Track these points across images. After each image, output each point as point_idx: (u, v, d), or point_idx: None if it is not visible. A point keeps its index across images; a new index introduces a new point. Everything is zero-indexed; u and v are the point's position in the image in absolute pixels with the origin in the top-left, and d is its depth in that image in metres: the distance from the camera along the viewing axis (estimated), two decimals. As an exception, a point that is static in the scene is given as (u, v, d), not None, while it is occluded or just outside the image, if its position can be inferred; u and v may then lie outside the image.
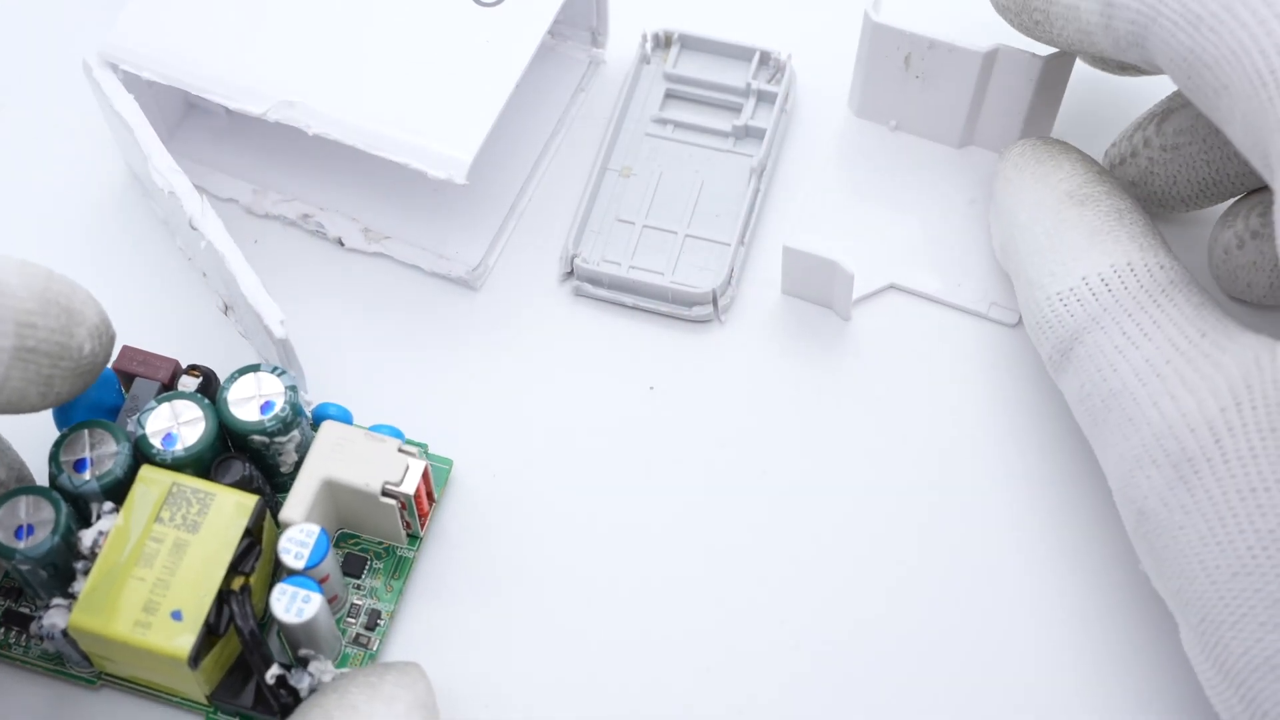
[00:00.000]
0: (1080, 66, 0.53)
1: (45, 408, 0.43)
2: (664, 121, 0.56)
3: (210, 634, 0.43)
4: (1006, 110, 0.53)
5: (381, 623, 0.47)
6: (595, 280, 0.53)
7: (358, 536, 0.48)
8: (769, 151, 0.54)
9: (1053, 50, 0.51)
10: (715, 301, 0.52)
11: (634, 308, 0.53)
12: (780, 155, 0.55)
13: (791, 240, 0.51)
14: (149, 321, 0.52)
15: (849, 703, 0.46)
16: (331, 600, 0.46)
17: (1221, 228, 0.50)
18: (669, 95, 0.56)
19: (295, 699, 0.44)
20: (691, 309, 0.52)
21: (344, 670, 0.44)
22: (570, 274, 0.53)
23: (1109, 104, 0.56)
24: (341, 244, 0.53)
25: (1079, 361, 0.45)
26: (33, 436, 0.47)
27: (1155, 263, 0.45)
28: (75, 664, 0.46)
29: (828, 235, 0.53)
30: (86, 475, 0.44)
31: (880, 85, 0.54)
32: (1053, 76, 0.52)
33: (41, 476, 0.46)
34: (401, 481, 0.46)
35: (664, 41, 0.57)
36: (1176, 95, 0.51)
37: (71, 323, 0.42)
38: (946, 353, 0.52)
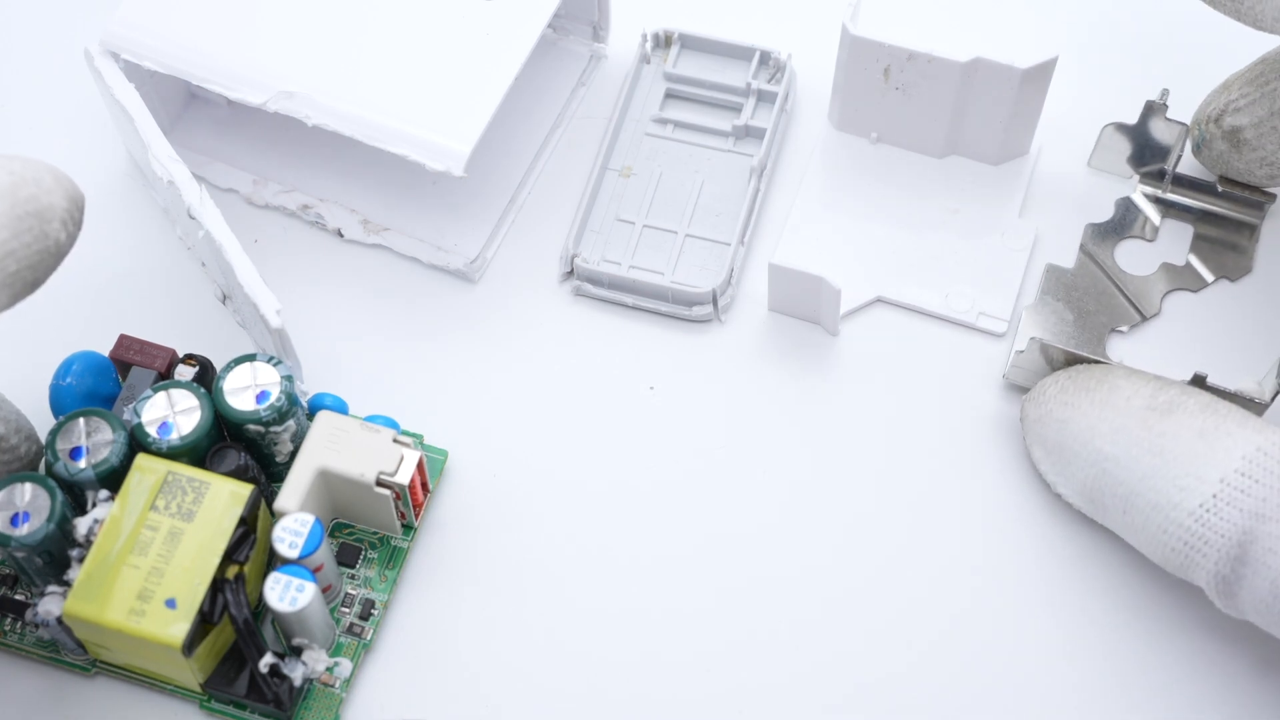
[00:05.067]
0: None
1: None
2: (664, 121, 0.56)
3: (204, 622, 0.43)
4: (987, 120, 0.53)
5: (375, 613, 0.47)
6: (595, 280, 0.53)
7: (352, 526, 0.48)
8: (769, 151, 0.54)
9: (1031, 63, 0.50)
10: (715, 301, 0.52)
11: (634, 307, 0.53)
12: (780, 155, 0.55)
13: (776, 257, 0.51)
14: (147, 310, 0.52)
15: (848, 702, 0.46)
16: (325, 590, 0.46)
17: None
18: (669, 95, 0.56)
19: (289, 688, 0.44)
20: (691, 309, 0.52)
21: None
22: (570, 274, 0.53)
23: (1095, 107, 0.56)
24: (341, 235, 0.53)
25: (1259, 562, 0.42)
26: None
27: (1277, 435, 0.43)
28: (70, 651, 0.46)
29: (811, 250, 0.53)
30: (82, 463, 0.44)
31: (860, 97, 0.54)
32: (1033, 86, 0.51)
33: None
34: (396, 472, 0.46)
35: (664, 41, 0.57)
36: None
37: (44, 224, 0.41)
38: (936, 360, 0.52)
